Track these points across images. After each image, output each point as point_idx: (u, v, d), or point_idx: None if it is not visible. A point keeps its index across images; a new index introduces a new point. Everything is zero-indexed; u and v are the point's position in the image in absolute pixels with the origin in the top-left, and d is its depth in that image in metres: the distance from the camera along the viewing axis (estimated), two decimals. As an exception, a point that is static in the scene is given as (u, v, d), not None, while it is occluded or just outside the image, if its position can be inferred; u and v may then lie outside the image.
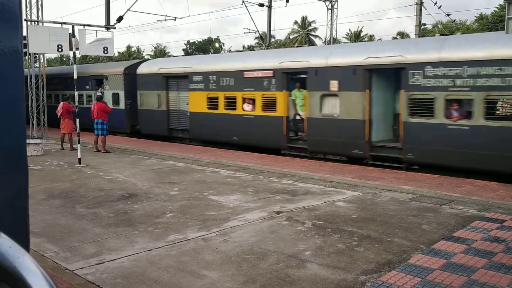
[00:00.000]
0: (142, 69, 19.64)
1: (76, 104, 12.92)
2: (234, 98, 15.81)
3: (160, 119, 18.72)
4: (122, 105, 20.30)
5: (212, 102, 16.48)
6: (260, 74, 14.91)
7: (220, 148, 16.07)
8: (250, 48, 57.10)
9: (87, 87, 22.17)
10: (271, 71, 14.57)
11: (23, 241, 1.00)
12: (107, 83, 20.94)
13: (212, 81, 16.35)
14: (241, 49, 33.63)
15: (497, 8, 45.34)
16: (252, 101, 15.29)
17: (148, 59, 27.93)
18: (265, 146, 15.06)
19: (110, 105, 18.05)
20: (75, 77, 12.60)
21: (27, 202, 1.08)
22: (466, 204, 7.85)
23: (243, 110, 15.53)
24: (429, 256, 5.28)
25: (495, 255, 5.32)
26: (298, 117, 14.58)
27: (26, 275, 0.75)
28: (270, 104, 14.73)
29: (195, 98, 17.03)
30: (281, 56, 15.09)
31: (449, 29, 40.27)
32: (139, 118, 19.76)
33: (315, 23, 61.83)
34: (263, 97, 14.90)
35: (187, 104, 17.51)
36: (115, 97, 20.47)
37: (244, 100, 15.54)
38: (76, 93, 12.67)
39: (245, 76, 15.34)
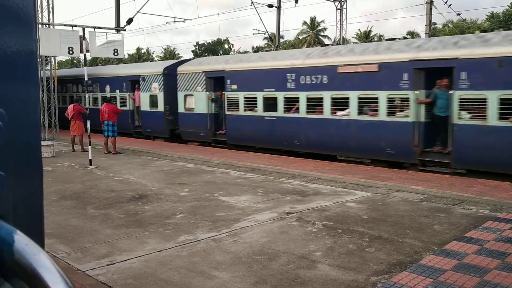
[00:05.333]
0: None
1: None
2: None
3: None
4: None
5: None
6: None
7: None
8: (259, 49, 57.03)
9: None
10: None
11: (39, 239, 1.01)
12: None
13: None
14: (250, 50, 33.42)
15: (508, 6, 44.91)
16: None
17: None
18: None
19: None
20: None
21: (42, 201, 1.09)
22: (478, 204, 7.77)
23: None
24: (441, 257, 5.24)
25: (508, 256, 5.26)
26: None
27: (42, 272, 0.76)
28: None
29: None
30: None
31: (459, 28, 39.90)
32: None
33: (324, 23, 61.78)
34: None
35: None
36: None
37: None
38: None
39: None
